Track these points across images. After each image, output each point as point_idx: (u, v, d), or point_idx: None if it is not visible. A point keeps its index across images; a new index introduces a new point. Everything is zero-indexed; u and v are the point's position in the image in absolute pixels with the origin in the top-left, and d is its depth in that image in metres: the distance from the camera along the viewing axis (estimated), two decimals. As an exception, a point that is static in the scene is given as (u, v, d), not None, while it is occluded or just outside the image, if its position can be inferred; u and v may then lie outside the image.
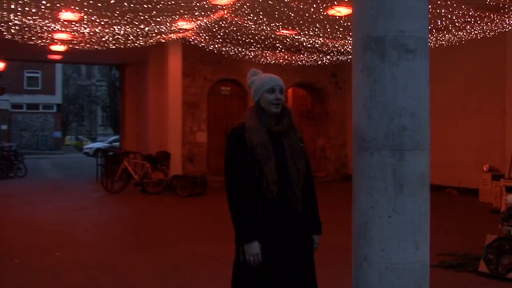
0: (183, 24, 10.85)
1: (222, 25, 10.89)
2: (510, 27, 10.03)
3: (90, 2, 8.92)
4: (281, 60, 14.19)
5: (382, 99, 2.70)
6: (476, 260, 5.75)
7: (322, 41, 12.00)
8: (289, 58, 14.14)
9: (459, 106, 12.42)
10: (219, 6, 9.43)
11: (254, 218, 2.86)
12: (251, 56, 13.57)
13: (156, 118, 15.05)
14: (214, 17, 10.20)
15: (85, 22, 10.23)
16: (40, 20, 9.92)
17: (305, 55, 13.89)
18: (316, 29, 11.07)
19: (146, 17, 9.93)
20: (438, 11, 8.98)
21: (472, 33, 10.55)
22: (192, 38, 12.41)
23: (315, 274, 3.02)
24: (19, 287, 5.37)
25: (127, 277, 5.64)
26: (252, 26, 10.71)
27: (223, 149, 3.06)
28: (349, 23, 9.92)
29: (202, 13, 9.91)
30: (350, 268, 2.92)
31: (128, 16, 9.83)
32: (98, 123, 51.76)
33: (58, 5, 9.15)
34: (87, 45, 12.38)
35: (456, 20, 9.69)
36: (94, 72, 48.38)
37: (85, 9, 9.38)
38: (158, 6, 9.20)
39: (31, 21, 9.89)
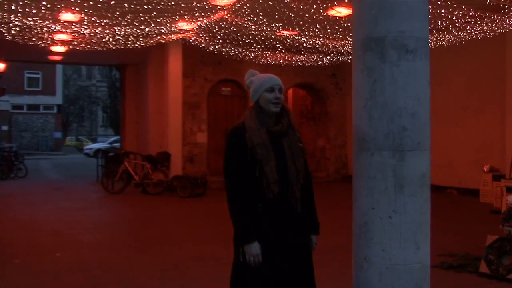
0: (183, 25, 10.85)
1: (222, 25, 10.89)
2: (510, 28, 10.03)
3: (90, 3, 8.92)
4: (281, 61, 14.19)
5: (382, 100, 2.69)
6: (477, 260, 5.75)
7: (322, 41, 12.00)
8: (289, 59, 14.14)
9: (460, 107, 12.42)
10: (219, 7, 9.43)
11: (254, 218, 2.86)
12: (251, 57, 13.57)
13: (157, 119, 15.05)
14: (214, 17, 10.20)
15: (85, 23, 10.23)
16: (40, 21, 9.92)
17: (305, 55, 13.89)
18: (316, 30, 11.07)
19: (146, 18, 9.93)
20: (438, 11, 8.97)
21: (472, 33, 10.55)
22: (192, 38, 12.41)
23: (313, 274, 3.02)
24: (19, 287, 5.37)
25: (128, 278, 5.64)
26: (252, 26, 10.71)
27: (223, 149, 3.06)
28: (349, 24, 9.92)
29: (202, 14, 9.92)
30: (350, 269, 2.92)
31: (128, 17, 9.83)
32: (99, 123, 51.76)
33: (58, 6, 9.15)
34: (88, 46, 12.38)
35: (456, 21, 9.69)
36: (95, 73, 48.38)
37: (86, 10, 9.38)
38: (158, 7, 9.21)
39: (31, 22, 9.90)
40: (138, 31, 10.93)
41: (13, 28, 10.31)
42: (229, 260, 3.04)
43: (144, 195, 12.84)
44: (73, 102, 47.80)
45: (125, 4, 9.02)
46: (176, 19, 10.26)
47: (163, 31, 11.20)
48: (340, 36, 11.44)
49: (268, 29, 11.00)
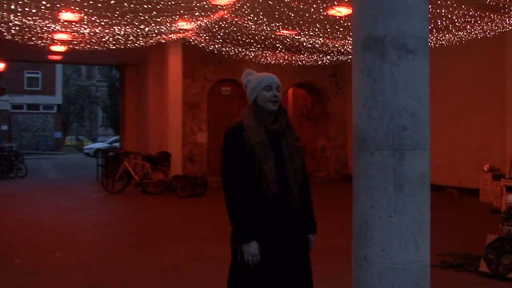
0: (183, 25, 10.85)
1: (222, 25, 10.89)
2: (510, 27, 10.03)
3: (90, 2, 8.92)
4: (281, 60, 14.19)
5: (382, 99, 2.69)
6: (477, 260, 5.75)
7: (322, 41, 12.00)
8: (289, 58, 14.14)
9: (460, 106, 12.42)
10: (219, 7, 9.42)
11: (252, 217, 2.85)
12: (251, 56, 13.57)
13: (156, 119, 15.05)
14: (214, 17, 10.20)
15: (85, 22, 10.23)
16: (40, 21, 9.92)
17: (305, 55, 13.89)
18: (316, 29, 11.06)
19: (146, 17, 9.93)
20: (438, 11, 8.97)
21: (472, 33, 10.54)
22: (192, 38, 12.41)
23: (311, 273, 3.02)
24: (19, 287, 5.37)
25: (128, 277, 5.64)
26: (252, 26, 10.71)
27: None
28: (349, 23, 9.92)
29: (202, 14, 9.91)
30: (350, 268, 2.91)
31: (128, 16, 9.83)
32: (99, 123, 51.77)
33: (58, 5, 9.15)
34: (87, 46, 12.38)
35: (456, 20, 9.68)
36: (94, 72, 48.39)
37: (85, 10, 9.38)
38: (158, 7, 9.20)
39: (31, 22, 9.89)
40: (138, 30, 10.93)
41: (13, 28, 10.30)
42: (229, 260, 3.04)
43: (144, 195, 12.84)
44: (73, 102, 47.82)
45: (125, 4, 9.01)
46: (176, 19, 10.25)
47: (163, 30, 11.19)
48: (340, 36, 11.44)
49: (268, 29, 11.00)
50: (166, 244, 7.34)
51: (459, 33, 10.64)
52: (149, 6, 9.16)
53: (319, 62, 14.61)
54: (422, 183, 2.72)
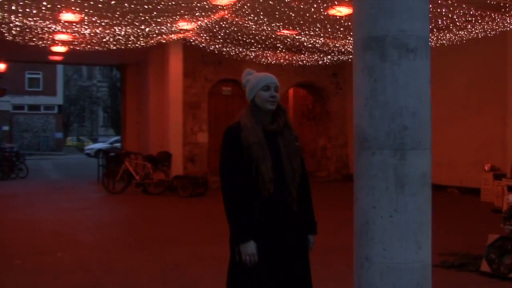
0: (183, 25, 10.85)
1: (223, 25, 10.89)
2: (511, 26, 10.02)
3: (91, 3, 8.93)
4: (281, 60, 14.19)
5: (383, 99, 2.69)
6: (478, 259, 5.74)
7: (322, 41, 12.00)
8: (290, 58, 14.14)
9: (460, 106, 12.41)
10: (219, 7, 9.42)
11: (250, 217, 2.84)
12: (252, 56, 13.57)
13: (157, 119, 15.05)
14: (215, 17, 10.20)
15: (85, 23, 10.24)
16: (41, 21, 9.93)
17: (306, 55, 13.88)
18: (317, 29, 11.06)
19: (147, 17, 9.93)
20: (439, 10, 8.97)
21: (473, 32, 10.54)
22: (193, 38, 12.42)
23: (310, 274, 3.01)
24: (20, 287, 5.37)
25: (128, 277, 5.64)
26: (253, 26, 10.71)
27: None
28: (349, 23, 9.92)
29: (203, 14, 9.91)
30: (351, 268, 2.91)
31: (128, 16, 9.83)
32: (99, 124, 51.78)
33: (58, 6, 9.15)
34: (88, 46, 12.39)
35: (457, 20, 9.68)
36: (95, 73, 48.40)
37: (86, 10, 9.39)
38: (159, 7, 9.21)
39: (32, 22, 9.90)
40: (138, 31, 10.93)
41: (14, 29, 10.31)
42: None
43: (145, 195, 12.84)
44: (74, 102, 47.82)
45: (126, 4, 9.01)
46: (177, 19, 10.26)
47: (163, 31, 11.20)
48: (341, 36, 11.44)
49: (269, 29, 11.00)
50: (166, 244, 7.34)
51: (460, 32, 10.64)
52: (150, 6, 9.16)
53: (320, 62, 14.61)
54: (423, 183, 2.72)
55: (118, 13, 9.55)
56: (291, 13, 9.88)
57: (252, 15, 9.99)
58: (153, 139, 15.36)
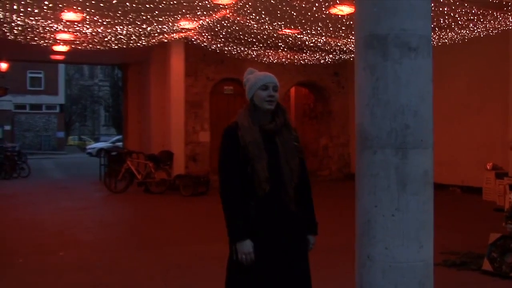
0: (185, 24, 10.85)
1: (224, 24, 10.89)
2: (513, 25, 10.00)
3: (92, 2, 8.93)
4: (283, 59, 14.18)
5: (385, 97, 2.69)
6: (480, 258, 5.74)
7: (324, 40, 11.99)
8: (292, 57, 14.13)
9: (462, 105, 12.39)
10: (221, 6, 9.42)
11: (247, 216, 2.84)
12: (253, 55, 13.57)
13: (159, 118, 15.05)
14: (216, 16, 10.20)
15: (87, 22, 10.24)
16: (42, 21, 9.93)
17: (308, 54, 13.88)
18: (319, 28, 11.06)
19: (148, 17, 9.93)
20: (440, 9, 8.96)
21: (475, 31, 10.52)
22: (195, 37, 12.42)
23: (309, 274, 3.00)
24: (22, 286, 5.38)
25: (130, 277, 5.65)
26: (255, 25, 10.71)
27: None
28: (351, 22, 9.91)
29: (204, 13, 9.91)
30: (353, 267, 2.91)
31: (130, 16, 9.84)
32: (101, 123, 51.82)
33: (60, 5, 9.16)
34: (90, 45, 12.40)
35: (459, 18, 9.66)
36: (97, 72, 48.43)
37: (87, 9, 9.39)
38: (161, 6, 9.21)
39: (33, 22, 9.91)
40: (140, 30, 10.93)
41: (15, 28, 10.32)
42: (231, 259, 3.04)
43: (146, 194, 12.85)
44: (75, 102, 47.85)
45: (127, 3, 9.02)
46: (178, 18, 10.26)
47: (165, 30, 11.20)
48: (343, 34, 11.43)
49: (270, 28, 11.00)
50: (168, 243, 7.35)
51: (462, 31, 10.62)
52: (151, 5, 9.16)
53: (322, 61, 14.60)
54: (425, 182, 2.72)
55: (119, 12, 9.56)
56: (292, 12, 9.88)
57: (253, 14, 9.98)
58: (155, 138, 15.36)
